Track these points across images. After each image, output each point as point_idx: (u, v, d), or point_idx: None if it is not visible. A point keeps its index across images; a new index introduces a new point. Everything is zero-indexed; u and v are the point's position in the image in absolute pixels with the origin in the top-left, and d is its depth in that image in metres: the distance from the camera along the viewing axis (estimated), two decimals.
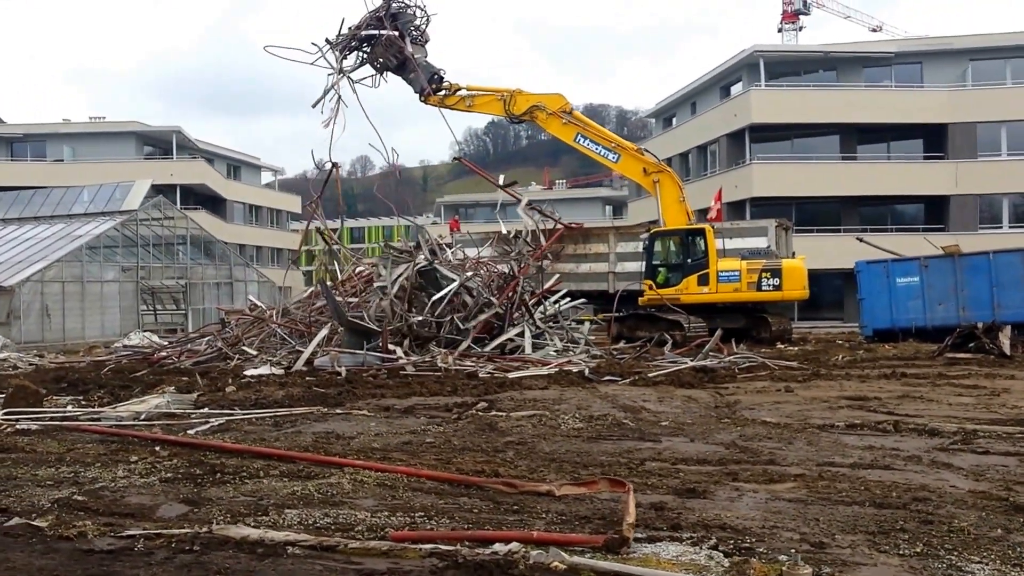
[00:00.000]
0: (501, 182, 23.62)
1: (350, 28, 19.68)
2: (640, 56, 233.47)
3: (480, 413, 9.50)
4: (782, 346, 18.73)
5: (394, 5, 19.72)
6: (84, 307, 26.00)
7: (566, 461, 6.93)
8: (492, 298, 17.15)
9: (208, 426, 8.95)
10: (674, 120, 52.79)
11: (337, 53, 19.58)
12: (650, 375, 12.69)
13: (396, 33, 19.47)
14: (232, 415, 9.65)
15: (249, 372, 13.44)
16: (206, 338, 17.67)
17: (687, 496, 5.60)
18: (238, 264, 33.25)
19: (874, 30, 64.34)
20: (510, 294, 17.29)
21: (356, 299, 17.90)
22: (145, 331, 24.03)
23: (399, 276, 16.57)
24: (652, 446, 7.51)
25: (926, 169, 39.48)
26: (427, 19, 19.91)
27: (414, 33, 19.98)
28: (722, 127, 42.32)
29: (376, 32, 19.52)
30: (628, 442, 7.71)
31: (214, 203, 53.03)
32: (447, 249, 20.50)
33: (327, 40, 19.71)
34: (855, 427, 8.25)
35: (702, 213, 39.45)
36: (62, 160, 51.95)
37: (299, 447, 7.76)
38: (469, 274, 17.59)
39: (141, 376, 13.58)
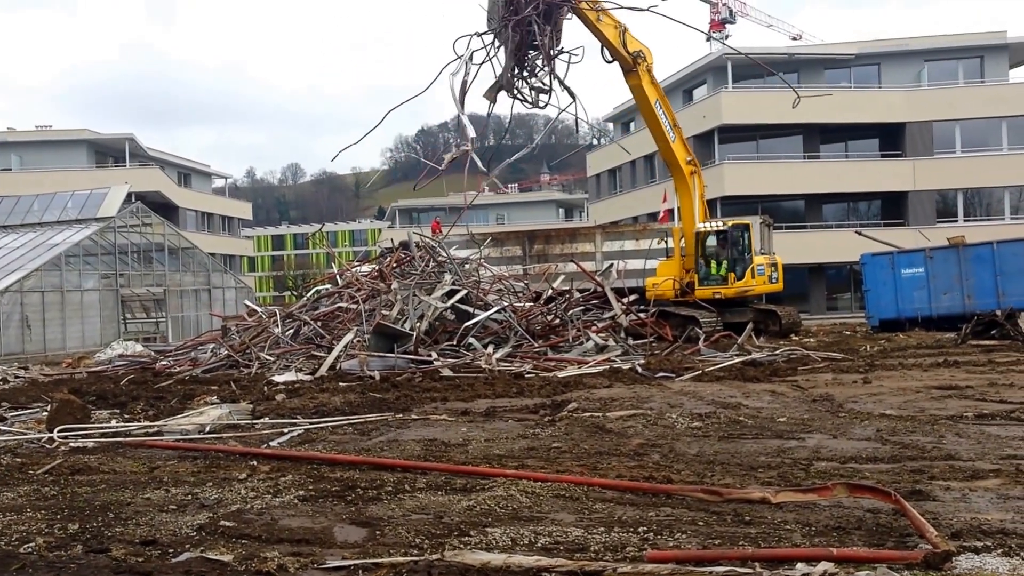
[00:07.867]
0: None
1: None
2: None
3: (573, 414, 8.91)
4: (796, 338, 18.61)
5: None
6: (64, 317, 24.84)
7: (727, 464, 6.40)
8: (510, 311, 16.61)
9: (288, 437, 8.13)
10: (632, 125, 52.84)
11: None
12: (707, 370, 12.28)
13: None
14: (297, 424, 8.84)
15: (277, 378, 12.54)
16: (210, 346, 16.56)
17: (914, 498, 5.13)
18: (216, 271, 32.00)
19: (794, 38, 66.43)
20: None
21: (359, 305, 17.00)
22: (126, 340, 22.68)
23: (429, 314, 15.52)
24: (799, 444, 7.05)
25: (885, 167, 40.40)
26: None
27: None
28: (688, 129, 42.35)
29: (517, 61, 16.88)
30: (770, 441, 7.23)
31: (166, 210, 50.98)
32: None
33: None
34: (985, 417, 7.95)
35: (652, 216, 39.74)
36: (10, 169, 50.13)
37: (411, 456, 7.05)
38: (505, 304, 16.86)
39: (168, 387, 12.54)
